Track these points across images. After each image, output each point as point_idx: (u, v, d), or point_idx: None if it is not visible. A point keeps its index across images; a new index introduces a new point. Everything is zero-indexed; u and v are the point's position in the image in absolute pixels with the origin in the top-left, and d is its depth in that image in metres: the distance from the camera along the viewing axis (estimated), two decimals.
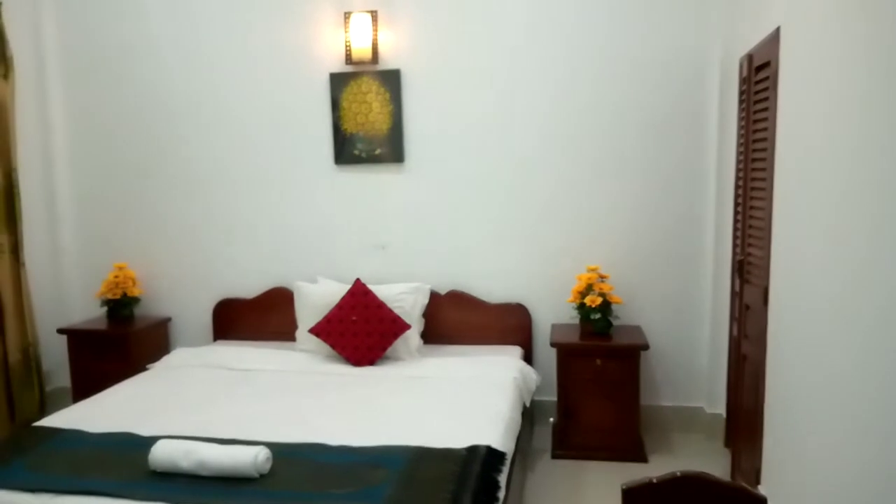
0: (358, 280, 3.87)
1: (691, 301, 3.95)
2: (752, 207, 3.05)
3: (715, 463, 3.43)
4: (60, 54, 4.41)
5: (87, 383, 3.92)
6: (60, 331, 4.21)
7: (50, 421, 2.96)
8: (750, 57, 3.09)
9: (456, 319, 4.10)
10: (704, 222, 3.89)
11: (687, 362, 3.99)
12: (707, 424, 3.89)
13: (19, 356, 4.09)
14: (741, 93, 3.32)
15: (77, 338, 4.19)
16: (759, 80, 2.96)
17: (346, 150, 4.14)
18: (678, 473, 1.62)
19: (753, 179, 3.03)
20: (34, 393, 4.18)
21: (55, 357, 4.35)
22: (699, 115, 3.83)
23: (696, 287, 3.94)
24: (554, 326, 3.94)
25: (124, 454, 2.55)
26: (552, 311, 4.04)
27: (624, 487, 1.62)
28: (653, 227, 3.94)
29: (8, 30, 4.03)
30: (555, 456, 3.66)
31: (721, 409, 3.78)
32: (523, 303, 4.08)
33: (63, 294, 4.51)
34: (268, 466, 2.39)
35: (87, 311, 4.43)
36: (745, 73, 3.21)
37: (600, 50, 3.88)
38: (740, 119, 3.32)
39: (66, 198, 4.50)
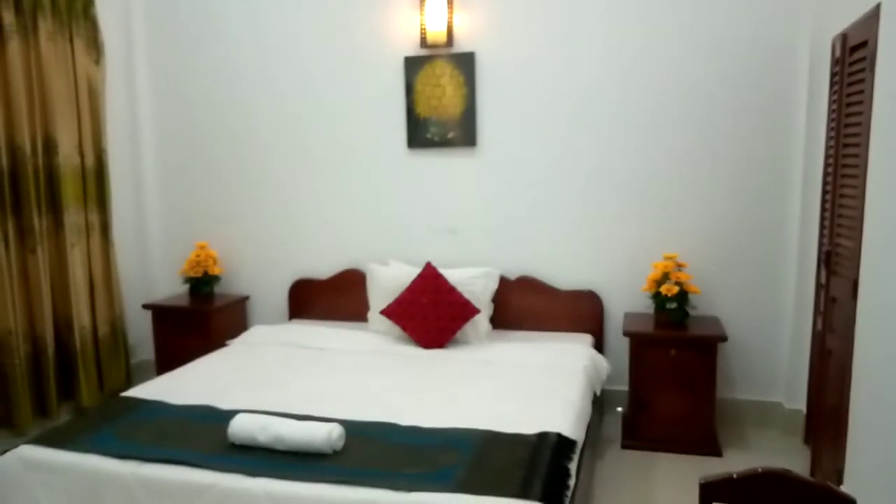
0: (429, 263, 3.89)
1: (773, 292, 3.80)
2: (842, 196, 2.90)
3: (793, 460, 3.31)
4: (147, 42, 4.58)
5: (169, 357, 4.10)
6: (145, 306, 4.40)
7: (136, 392, 3.10)
8: (844, 36, 2.93)
9: (525, 305, 4.08)
10: (789, 210, 3.72)
11: (766, 356, 3.85)
12: (785, 420, 3.75)
13: (108, 329, 4.31)
14: (833, 75, 3.15)
15: (161, 313, 4.36)
16: (853, 61, 2.80)
17: (419, 133, 4.16)
18: (759, 469, 1.55)
19: (844, 166, 2.88)
20: (121, 365, 4.40)
21: (140, 331, 4.55)
22: (786, 98, 3.66)
23: (778, 278, 3.79)
24: (627, 315, 3.87)
25: (205, 426, 2.65)
26: (625, 299, 3.97)
27: (702, 481, 1.56)
28: (733, 215, 3.81)
29: (100, 18, 4.21)
30: (625, 446, 3.61)
31: (801, 405, 3.63)
32: (595, 290, 4.02)
33: (148, 271, 4.71)
34: (341, 443, 2.44)
35: (170, 287, 4.62)
36: (837, 54, 3.04)
37: (680, 31, 3.75)
38: (831, 102, 3.16)
39: (151, 179, 4.69)
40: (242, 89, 4.45)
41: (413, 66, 4.10)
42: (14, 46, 3.66)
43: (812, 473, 3.12)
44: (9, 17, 3.63)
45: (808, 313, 3.53)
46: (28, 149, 3.76)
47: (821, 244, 3.29)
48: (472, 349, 3.70)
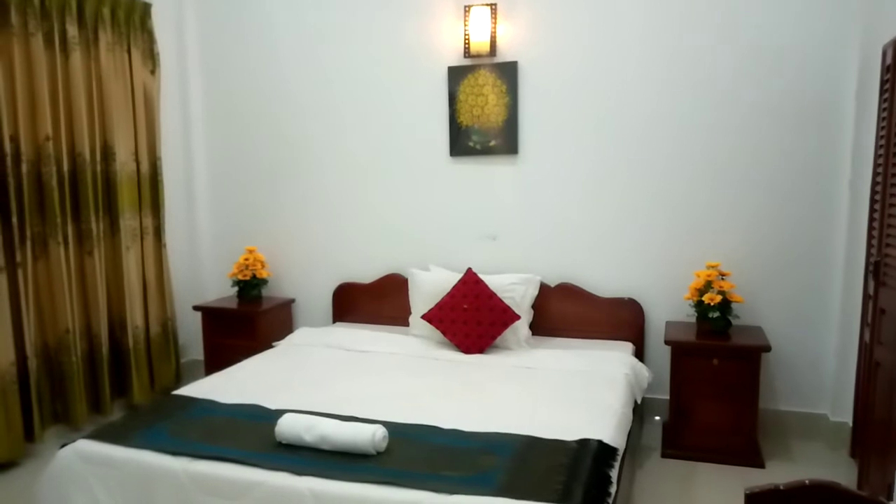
0: (470, 269, 3.93)
1: (819, 303, 3.75)
2: (891, 205, 2.86)
3: (839, 474, 3.26)
4: (200, 52, 4.73)
5: (217, 357, 4.22)
6: (195, 308, 4.53)
7: (186, 390, 3.18)
8: None
9: (565, 312, 4.09)
10: (836, 220, 3.67)
11: (811, 367, 3.79)
12: (830, 432, 3.69)
13: (159, 329, 4.45)
14: (883, 83, 3.10)
15: (210, 314, 4.48)
16: None
17: (461, 142, 4.21)
18: (807, 482, 1.50)
19: (895, 175, 2.83)
20: (171, 363, 4.54)
21: (190, 332, 4.69)
22: (834, 106, 3.61)
23: (824, 288, 3.73)
24: (668, 324, 3.85)
25: (253, 425, 2.72)
26: (666, 307, 3.95)
27: (747, 492, 1.54)
28: (779, 224, 3.76)
29: (155, 30, 4.37)
30: (665, 455, 3.59)
31: (847, 417, 3.57)
32: (636, 298, 4.01)
33: (198, 274, 4.85)
34: (384, 444, 2.47)
35: (219, 290, 4.76)
36: (888, 62, 3.00)
37: (723, 39, 3.73)
38: (881, 111, 3.11)
39: (202, 185, 4.83)
40: (290, 98, 4.56)
41: (456, 75, 4.16)
42: (76, 58, 3.82)
43: (859, 487, 3.06)
44: (73, 31, 3.80)
45: (855, 324, 3.47)
46: (87, 155, 3.92)
47: (869, 254, 3.23)
48: (513, 355, 3.72)
